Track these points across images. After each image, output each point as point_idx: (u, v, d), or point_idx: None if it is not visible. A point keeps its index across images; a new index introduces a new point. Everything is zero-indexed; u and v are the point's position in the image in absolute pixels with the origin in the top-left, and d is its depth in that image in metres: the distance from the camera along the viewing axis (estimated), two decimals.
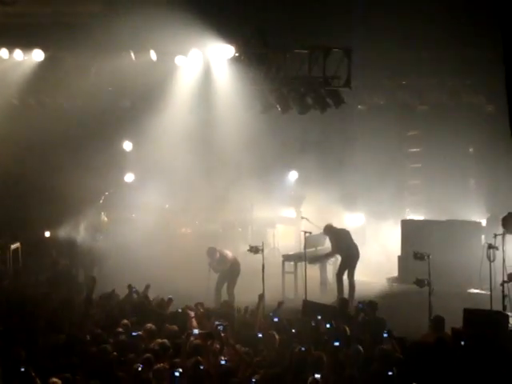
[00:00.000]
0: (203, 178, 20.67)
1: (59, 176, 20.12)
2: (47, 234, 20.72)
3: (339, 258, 18.15)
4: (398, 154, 21.11)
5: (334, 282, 18.30)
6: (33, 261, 19.43)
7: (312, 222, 18.67)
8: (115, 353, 11.22)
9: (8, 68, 18.63)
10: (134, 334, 12.14)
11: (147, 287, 15.17)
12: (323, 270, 18.88)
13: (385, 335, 12.16)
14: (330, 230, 17.92)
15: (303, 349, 11.11)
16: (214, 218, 21.45)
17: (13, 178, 20.47)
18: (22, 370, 10.44)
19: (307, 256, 17.54)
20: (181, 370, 10.59)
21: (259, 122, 19.24)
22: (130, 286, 15.02)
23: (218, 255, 17.54)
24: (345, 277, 17.53)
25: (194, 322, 12.94)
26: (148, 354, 11.07)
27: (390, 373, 10.31)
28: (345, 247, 17.67)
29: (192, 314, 13.26)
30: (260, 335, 12.37)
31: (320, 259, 18.62)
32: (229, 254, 17.78)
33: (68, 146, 20.29)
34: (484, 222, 18.70)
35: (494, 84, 18.09)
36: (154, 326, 12.55)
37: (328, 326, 12.68)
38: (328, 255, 18.43)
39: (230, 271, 17.58)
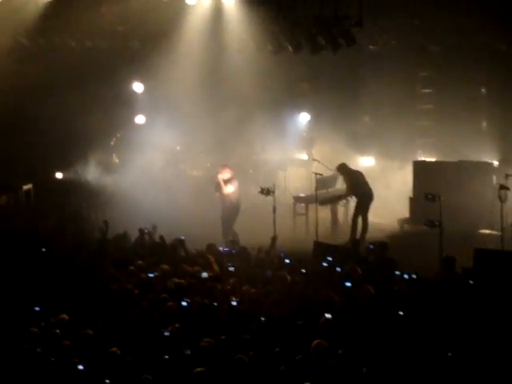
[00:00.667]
0: (214, 119, 20.61)
1: (70, 117, 20.13)
2: (59, 175, 20.79)
3: (351, 199, 18.19)
4: (409, 94, 20.90)
5: (344, 223, 18.39)
6: (45, 202, 19.53)
7: (323, 164, 18.64)
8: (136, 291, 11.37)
9: (17, 7, 18.51)
10: (150, 274, 12.23)
11: (154, 228, 15.19)
12: (334, 212, 18.94)
13: (397, 273, 12.26)
14: (344, 169, 17.86)
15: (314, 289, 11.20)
16: (226, 160, 21.41)
17: (23, 119, 20.40)
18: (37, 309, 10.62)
19: (318, 198, 17.57)
20: (188, 300, 10.73)
21: (270, 63, 19.13)
22: (141, 230, 15.07)
23: (231, 174, 17.64)
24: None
25: (215, 266, 12.97)
26: (164, 295, 11.21)
27: (401, 313, 10.38)
28: (360, 188, 17.64)
29: (212, 258, 13.27)
30: (270, 273, 12.46)
31: (332, 201, 18.65)
32: (237, 182, 17.87)
33: (77, 87, 20.17)
34: (495, 163, 18.62)
35: (508, 24, 17.93)
36: (168, 267, 12.66)
37: (338, 269, 12.73)
38: (342, 196, 18.44)
39: (234, 206, 17.63)
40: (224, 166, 18.00)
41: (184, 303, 10.71)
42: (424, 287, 11.60)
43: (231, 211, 17.59)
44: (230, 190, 17.56)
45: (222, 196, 17.62)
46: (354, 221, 17.51)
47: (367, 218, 17.53)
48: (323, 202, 18.26)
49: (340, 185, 19.23)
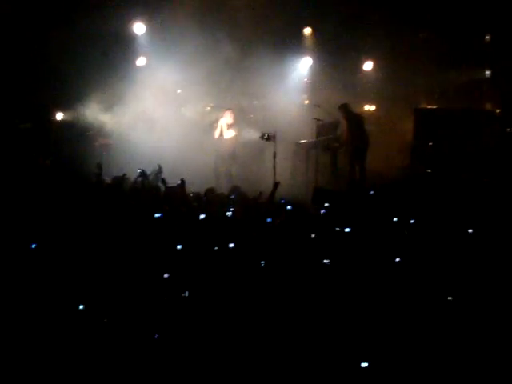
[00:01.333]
0: (216, 65, 20.42)
1: (67, 57, 19.95)
2: (59, 115, 20.72)
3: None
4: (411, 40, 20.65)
5: (345, 169, 18.36)
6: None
7: (325, 110, 18.56)
8: None
9: None
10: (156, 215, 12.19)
11: (160, 169, 15.11)
12: (334, 158, 18.86)
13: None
14: (346, 110, 17.82)
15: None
16: (226, 104, 21.30)
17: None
18: None
19: (319, 144, 17.56)
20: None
21: (273, 5, 18.95)
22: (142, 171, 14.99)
23: (233, 119, 17.64)
24: None
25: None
26: None
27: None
28: (358, 133, 17.60)
29: None
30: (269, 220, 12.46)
31: (332, 148, 18.59)
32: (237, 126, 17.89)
33: (71, 22, 19.91)
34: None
35: None
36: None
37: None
38: (341, 144, 18.38)
39: (230, 152, 17.65)
40: (227, 110, 17.97)
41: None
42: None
43: (230, 155, 17.63)
44: (230, 134, 17.57)
45: (221, 140, 17.63)
46: (351, 166, 17.50)
47: (364, 165, 17.51)
48: (324, 148, 18.22)
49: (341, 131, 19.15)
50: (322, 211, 13.05)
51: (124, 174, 15.14)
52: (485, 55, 20.21)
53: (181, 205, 13.14)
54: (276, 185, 14.33)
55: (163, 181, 14.59)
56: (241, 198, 13.98)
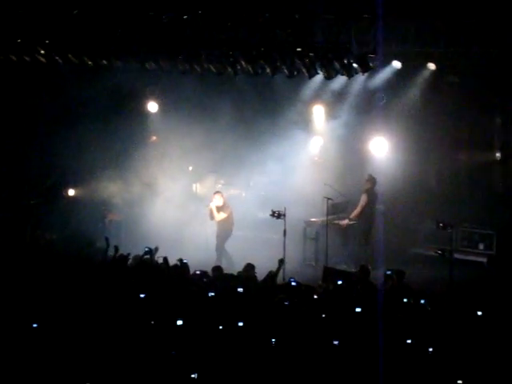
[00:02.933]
0: (226, 140, 20.57)
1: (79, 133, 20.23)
2: (71, 192, 20.88)
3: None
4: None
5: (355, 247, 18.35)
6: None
7: (335, 189, 18.62)
8: None
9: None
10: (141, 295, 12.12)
11: (156, 249, 15.01)
12: (345, 236, 18.74)
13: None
14: (373, 181, 18.01)
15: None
16: (237, 182, 21.45)
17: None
18: None
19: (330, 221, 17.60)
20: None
21: (284, 86, 19.17)
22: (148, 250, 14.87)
23: (223, 200, 17.84)
24: None
25: None
26: None
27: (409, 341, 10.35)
28: (371, 210, 17.73)
29: None
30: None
31: (344, 223, 18.55)
32: (230, 208, 18.15)
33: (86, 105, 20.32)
34: None
35: None
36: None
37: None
38: (351, 220, 18.39)
39: (226, 231, 17.86)
40: (216, 193, 18.35)
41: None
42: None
43: (223, 236, 17.92)
44: (221, 216, 18.03)
45: (216, 222, 18.03)
46: (364, 244, 17.52)
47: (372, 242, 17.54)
48: (335, 224, 18.26)
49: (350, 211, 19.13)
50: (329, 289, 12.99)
51: (128, 254, 14.93)
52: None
53: (189, 284, 13.09)
54: (280, 262, 14.24)
55: (165, 260, 14.50)
56: (251, 276, 13.92)
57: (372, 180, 18.28)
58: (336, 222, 18.58)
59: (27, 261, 14.24)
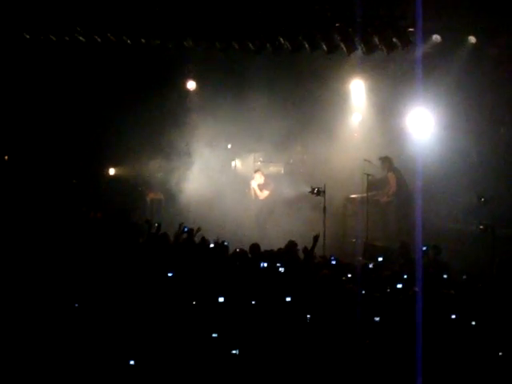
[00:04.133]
0: (265, 120, 20.58)
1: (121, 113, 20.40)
2: (111, 171, 21.07)
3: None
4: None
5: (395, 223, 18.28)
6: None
7: (375, 165, 18.55)
8: None
9: None
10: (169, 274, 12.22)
11: (198, 230, 15.04)
12: (385, 212, 18.69)
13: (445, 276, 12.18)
14: (389, 161, 17.90)
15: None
16: (276, 160, 21.46)
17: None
18: None
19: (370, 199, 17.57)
20: None
21: (323, 63, 19.08)
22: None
23: (264, 178, 17.86)
24: None
25: None
26: None
27: (453, 316, 10.31)
28: (405, 186, 17.65)
29: None
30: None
31: (381, 203, 18.50)
32: (271, 184, 18.15)
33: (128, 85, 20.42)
34: None
35: None
36: None
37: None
38: (390, 197, 18.33)
39: (269, 205, 17.89)
40: (256, 171, 18.34)
41: None
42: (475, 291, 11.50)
43: (265, 213, 17.94)
44: (264, 194, 18.00)
45: (259, 200, 18.04)
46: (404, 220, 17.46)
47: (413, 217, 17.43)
48: (375, 200, 18.22)
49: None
50: (370, 265, 12.96)
51: (165, 232, 14.95)
52: None
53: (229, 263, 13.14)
54: (316, 238, 14.20)
55: (203, 239, 14.51)
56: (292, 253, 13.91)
57: (386, 160, 18.12)
58: (376, 198, 18.53)
59: (79, 237, 14.41)
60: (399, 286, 11.44)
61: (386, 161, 18.21)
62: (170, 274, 11.59)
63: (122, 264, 12.45)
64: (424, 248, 13.87)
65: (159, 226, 14.73)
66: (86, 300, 10.66)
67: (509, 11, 17.27)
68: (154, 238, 14.41)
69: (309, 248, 13.76)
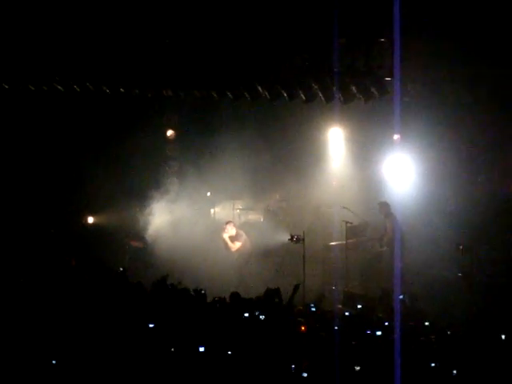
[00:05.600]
0: (245, 166, 20.66)
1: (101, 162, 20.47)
2: (90, 219, 21.02)
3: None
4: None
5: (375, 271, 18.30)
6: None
7: (353, 212, 18.59)
8: None
9: None
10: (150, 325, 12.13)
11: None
12: (378, 260, 18.60)
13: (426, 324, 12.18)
14: (387, 209, 17.92)
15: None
16: (255, 207, 21.51)
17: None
18: None
19: (351, 246, 17.59)
20: None
21: (303, 111, 19.22)
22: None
23: (235, 229, 17.88)
24: None
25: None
26: None
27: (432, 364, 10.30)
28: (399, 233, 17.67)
29: None
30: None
31: (371, 246, 18.47)
32: (244, 236, 18.12)
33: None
34: None
35: None
36: None
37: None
38: (383, 239, 18.30)
39: (244, 255, 17.89)
40: (227, 223, 18.34)
41: None
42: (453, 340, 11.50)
43: (241, 262, 17.95)
44: (236, 246, 18.00)
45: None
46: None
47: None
48: (360, 246, 18.21)
49: (370, 234, 19.06)
50: (346, 313, 12.91)
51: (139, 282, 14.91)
52: None
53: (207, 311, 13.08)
54: (296, 287, 14.18)
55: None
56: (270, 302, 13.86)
57: (386, 204, 18.18)
58: (370, 245, 18.49)
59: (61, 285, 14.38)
60: (378, 333, 11.41)
61: (383, 206, 18.24)
62: (151, 325, 11.50)
63: (100, 313, 12.39)
64: (401, 296, 13.89)
65: (124, 270, 14.79)
66: (65, 353, 10.58)
67: (485, 60, 17.54)
68: (129, 287, 14.38)
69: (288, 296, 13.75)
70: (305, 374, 9.89)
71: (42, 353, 10.44)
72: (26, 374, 9.82)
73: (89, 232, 20.92)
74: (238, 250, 18.36)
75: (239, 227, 19.70)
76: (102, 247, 20.03)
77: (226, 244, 18.49)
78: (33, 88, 18.26)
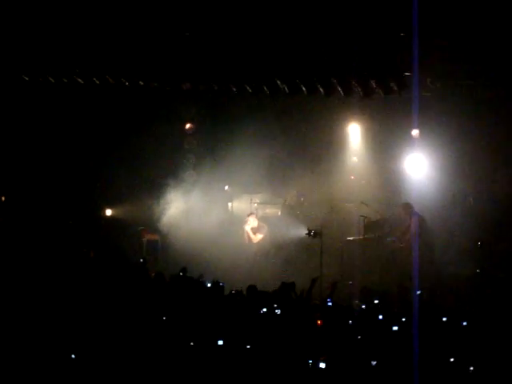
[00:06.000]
0: (262, 162, 20.67)
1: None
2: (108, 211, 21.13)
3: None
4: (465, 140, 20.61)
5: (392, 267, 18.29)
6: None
7: (372, 207, 18.56)
8: None
9: None
10: None
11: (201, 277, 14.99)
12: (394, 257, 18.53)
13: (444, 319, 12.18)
14: (410, 210, 17.88)
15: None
16: (273, 201, 21.50)
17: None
18: None
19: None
20: None
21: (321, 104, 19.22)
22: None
23: (257, 221, 17.89)
24: None
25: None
26: None
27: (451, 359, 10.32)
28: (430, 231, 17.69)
29: None
30: None
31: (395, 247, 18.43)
32: (265, 227, 18.12)
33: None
34: None
35: None
36: None
37: (380, 317, 12.61)
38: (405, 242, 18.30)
39: (264, 247, 17.88)
40: (249, 215, 18.30)
41: None
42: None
43: (261, 255, 17.91)
44: (258, 238, 17.98)
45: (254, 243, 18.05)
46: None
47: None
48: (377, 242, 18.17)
49: (388, 230, 19.00)
50: (363, 306, 12.89)
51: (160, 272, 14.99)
52: None
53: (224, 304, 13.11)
54: (314, 281, 14.16)
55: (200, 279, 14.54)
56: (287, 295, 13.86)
57: (409, 205, 18.14)
58: (391, 241, 18.46)
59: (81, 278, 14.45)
60: (395, 328, 11.39)
61: (406, 207, 18.17)
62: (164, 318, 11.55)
63: (119, 305, 12.43)
64: (418, 292, 13.88)
65: (145, 261, 14.87)
66: (84, 346, 10.64)
67: (503, 56, 17.48)
68: (149, 279, 14.43)
69: (306, 290, 13.75)
70: (322, 365, 9.87)
71: (61, 346, 10.49)
72: (45, 366, 9.87)
73: (107, 224, 20.98)
74: (260, 241, 18.33)
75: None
76: (119, 239, 20.11)
77: (248, 236, 18.47)
78: (52, 80, 18.31)
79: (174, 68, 17.71)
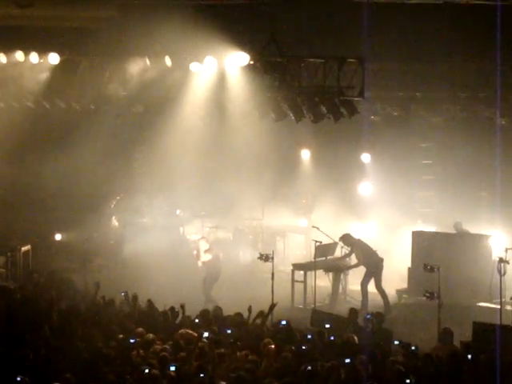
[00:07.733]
0: (215, 185, 20.70)
1: (70, 180, 20.42)
2: (58, 236, 20.89)
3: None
4: (410, 165, 20.88)
5: (346, 292, 18.35)
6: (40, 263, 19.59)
7: (323, 232, 18.61)
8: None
9: (24, 71, 18.77)
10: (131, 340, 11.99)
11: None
12: (337, 280, 18.59)
13: (396, 343, 12.20)
14: (350, 239, 17.96)
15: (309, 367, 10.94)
16: (225, 226, 21.51)
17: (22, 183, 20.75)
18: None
19: (320, 265, 17.60)
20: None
21: (273, 129, 19.28)
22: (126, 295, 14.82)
23: (208, 245, 17.96)
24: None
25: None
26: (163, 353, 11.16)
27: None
28: (371, 256, 17.73)
29: None
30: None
31: (340, 269, 18.43)
32: (214, 250, 18.19)
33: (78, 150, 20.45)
34: (494, 235, 18.58)
35: (508, 97, 18.11)
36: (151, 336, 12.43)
37: (332, 338, 12.61)
38: (352, 266, 18.34)
39: (212, 274, 17.90)
40: (201, 239, 18.47)
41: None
42: (427, 360, 11.52)
43: (210, 280, 17.91)
44: (207, 257, 18.00)
45: (202, 266, 18.07)
46: (365, 289, 17.50)
47: (382, 286, 17.55)
48: (329, 269, 18.17)
49: (339, 253, 19.07)
50: (309, 336, 12.81)
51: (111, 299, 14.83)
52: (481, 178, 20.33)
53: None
54: (272, 306, 14.11)
55: (149, 302, 14.43)
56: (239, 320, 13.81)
57: (345, 240, 18.24)
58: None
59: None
60: (347, 360, 11.27)
61: (346, 238, 18.25)
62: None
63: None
64: (368, 316, 13.93)
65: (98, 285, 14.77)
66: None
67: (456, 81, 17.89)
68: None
69: (264, 312, 13.68)
70: None
71: None
72: None
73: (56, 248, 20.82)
74: (208, 263, 18.28)
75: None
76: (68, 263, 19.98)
77: (197, 253, 18.42)
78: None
79: None
